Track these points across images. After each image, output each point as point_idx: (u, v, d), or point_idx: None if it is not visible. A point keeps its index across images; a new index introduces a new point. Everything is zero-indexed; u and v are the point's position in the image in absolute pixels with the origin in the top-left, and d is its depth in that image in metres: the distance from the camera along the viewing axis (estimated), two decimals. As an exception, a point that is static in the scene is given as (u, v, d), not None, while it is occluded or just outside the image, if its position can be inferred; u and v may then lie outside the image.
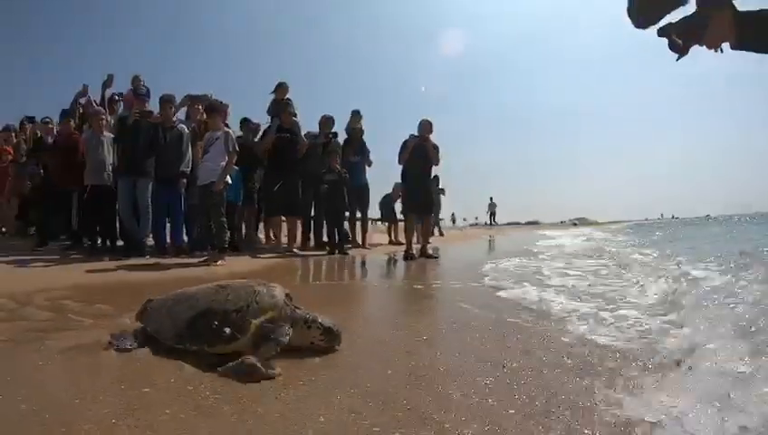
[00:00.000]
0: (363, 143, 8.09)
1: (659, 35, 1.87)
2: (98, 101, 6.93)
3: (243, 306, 1.79)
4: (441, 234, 14.08)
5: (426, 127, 6.61)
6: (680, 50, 1.82)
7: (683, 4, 1.79)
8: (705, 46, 1.73)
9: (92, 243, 6.32)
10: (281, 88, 7.38)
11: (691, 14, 1.79)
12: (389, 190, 10.90)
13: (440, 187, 13.57)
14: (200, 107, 6.52)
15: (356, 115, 8.09)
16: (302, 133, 7.15)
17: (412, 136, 6.57)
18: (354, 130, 7.94)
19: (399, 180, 7.23)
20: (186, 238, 6.43)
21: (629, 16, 1.95)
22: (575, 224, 34.37)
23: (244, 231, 7.26)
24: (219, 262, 5.35)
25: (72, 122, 6.42)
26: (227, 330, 1.73)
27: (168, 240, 6.26)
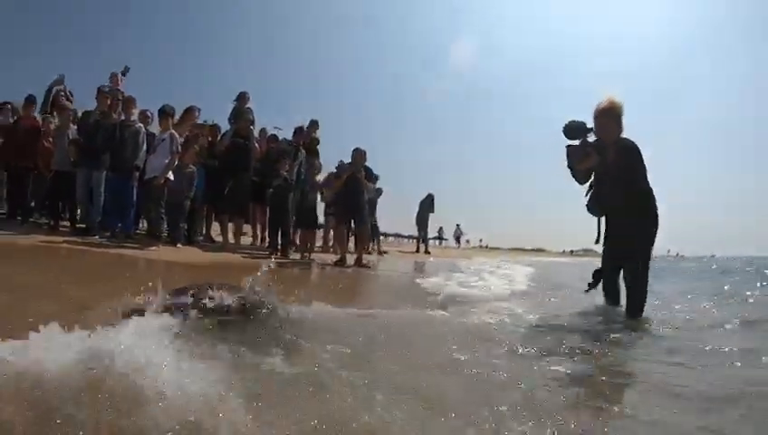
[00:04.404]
0: (318, 152, 8.64)
1: (567, 149, 3.70)
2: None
3: None
4: (427, 251, 14.19)
5: (359, 157, 6.98)
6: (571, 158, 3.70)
7: (587, 136, 3.63)
8: (580, 165, 3.67)
9: (55, 222, 7.05)
10: (242, 96, 8.02)
11: (582, 146, 3.65)
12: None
13: (432, 204, 13.77)
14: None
15: (314, 125, 8.67)
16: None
17: (344, 164, 6.94)
18: (312, 140, 8.50)
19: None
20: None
21: (563, 132, 3.70)
22: (572, 252, 34.75)
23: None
24: (153, 248, 5.98)
25: (34, 107, 7.15)
26: None
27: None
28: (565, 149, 3.76)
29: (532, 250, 40.23)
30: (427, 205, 13.75)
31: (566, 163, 3.80)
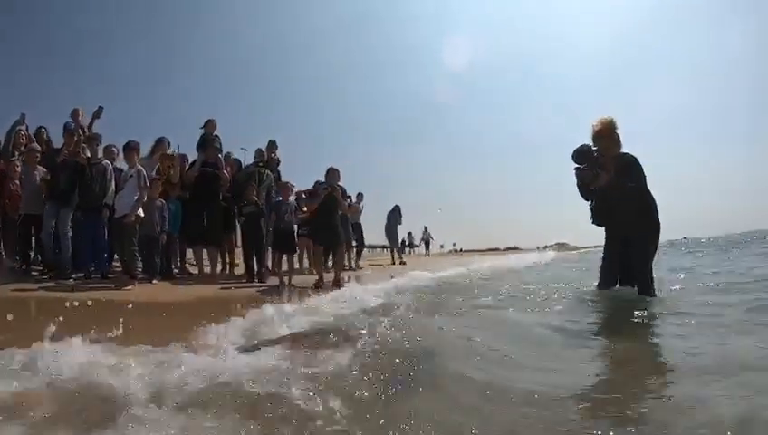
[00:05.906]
0: (279, 173, 8.73)
1: (576, 171, 4.24)
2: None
3: None
4: (403, 262, 14.23)
5: (333, 175, 7.04)
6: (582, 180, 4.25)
7: (594, 155, 4.14)
8: (593, 184, 4.14)
9: (26, 266, 6.92)
10: (209, 124, 8.03)
11: (591, 168, 4.12)
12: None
13: (400, 215, 13.90)
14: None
15: (272, 145, 8.75)
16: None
17: (321, 184, 6.97)
18: (270, 160, 8.57)
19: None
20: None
21: (572, 157, 4.22)
22: (546, 247, 35.57)
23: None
24: (129, 287, 5.94)
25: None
26: None
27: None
28: (574, 172, 4.28)
29: (507, 250, 40.92)
30: (395, 216, 13.85)
31: (576, 183, 4.32)
